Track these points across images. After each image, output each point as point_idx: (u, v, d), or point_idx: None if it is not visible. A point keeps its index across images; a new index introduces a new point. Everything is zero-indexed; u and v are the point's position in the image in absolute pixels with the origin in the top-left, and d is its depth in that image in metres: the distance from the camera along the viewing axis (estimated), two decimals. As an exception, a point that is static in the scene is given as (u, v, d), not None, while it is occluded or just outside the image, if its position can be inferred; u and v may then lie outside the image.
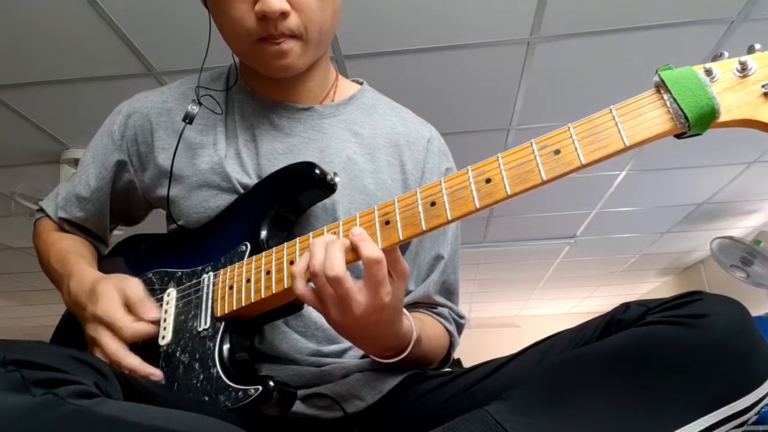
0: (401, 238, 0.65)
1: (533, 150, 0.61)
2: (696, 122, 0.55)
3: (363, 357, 0.86)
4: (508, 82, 2.20)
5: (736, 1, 1.81)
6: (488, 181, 0.62)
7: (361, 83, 0.99)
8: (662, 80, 0.57)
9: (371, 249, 0.64)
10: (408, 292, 0.90)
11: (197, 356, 0.75)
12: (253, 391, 0.68)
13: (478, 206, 0.62)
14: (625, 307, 0.68)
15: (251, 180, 0.86)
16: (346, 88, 0.96)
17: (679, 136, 0.58)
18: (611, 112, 0.59)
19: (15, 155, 2.54)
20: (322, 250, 0.65)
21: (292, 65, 0.80)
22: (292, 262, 0.72)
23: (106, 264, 0.94)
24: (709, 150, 2.80)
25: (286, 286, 0.72)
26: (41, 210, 0.99)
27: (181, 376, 0.75)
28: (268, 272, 0.74)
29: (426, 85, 2.18)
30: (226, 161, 0.86)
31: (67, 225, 0.96)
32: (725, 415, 0.56)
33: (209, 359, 0.73)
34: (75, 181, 0.96)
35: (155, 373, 0.74)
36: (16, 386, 0.46)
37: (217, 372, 0.72)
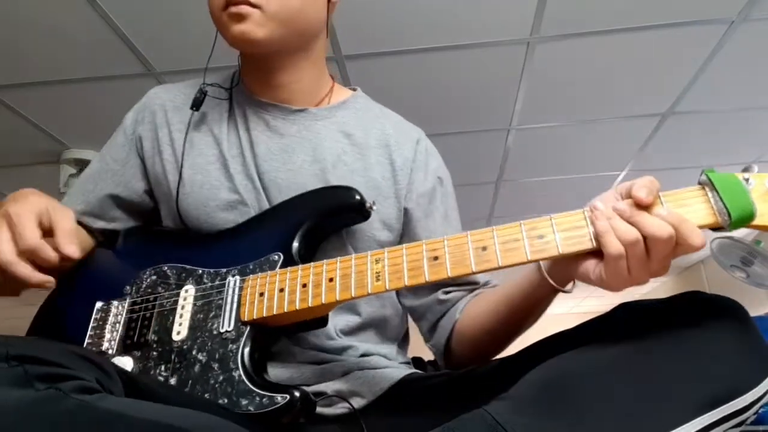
0: (450, 275, 0.68)
1: (585, 217, 0.66)
2: (737, 221, 0.61)
3: (362, 356, 0.86)
4: (508, 82, 2.20)
5: (736, 1, 1.81)
6: (540, 237, 0.66)
7: (355, 89, 1.02)
8: (710, 180, 0.64)
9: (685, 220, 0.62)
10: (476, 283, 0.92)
11: (216, 357, 0.75)
12: (280, 399, 0.68)
13: (528, 258, 0.66)
14: (625, 306, 0.68)
15: (251, 181, 0.87)
16: (341, 94, 0.99)
17: (714, 229, 0.65)
18: (659, 197, 0.64)
19: (15, 155, 2.54)
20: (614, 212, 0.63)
21: (249, 32, 0.82)
22: (331, 280, 0.73)
23: (116, 248, 0.93)
24: (709, 150, 2.81)
25: (323, 302, 0.73)
26: None
27: (197, 374, 0.75)
28: (305, 285, 0.74)
29: (426, 85, 2.18)
30: (230, 162, 0.88)
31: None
32: (723, 414, 0.56)
33: (231, 361, 0.73)
34: (99, 185, 0.95)
35: (49, 280, 0.73)
36: (19, 381, 0.47)
37: (240, 375, 0.72)
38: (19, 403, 0.46)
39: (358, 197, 0.82)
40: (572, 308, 6.89)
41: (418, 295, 0.94)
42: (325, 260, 0.75)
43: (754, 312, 1.05)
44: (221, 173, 0.88)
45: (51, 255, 0.73)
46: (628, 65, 2.11)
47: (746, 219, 0.61)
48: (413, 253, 0.70)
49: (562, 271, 0.73)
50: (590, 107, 2.36)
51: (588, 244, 0.64)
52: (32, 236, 0.72)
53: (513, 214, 3.56)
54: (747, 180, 0.64)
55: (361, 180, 0.89)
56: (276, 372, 0.81)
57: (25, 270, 0.71)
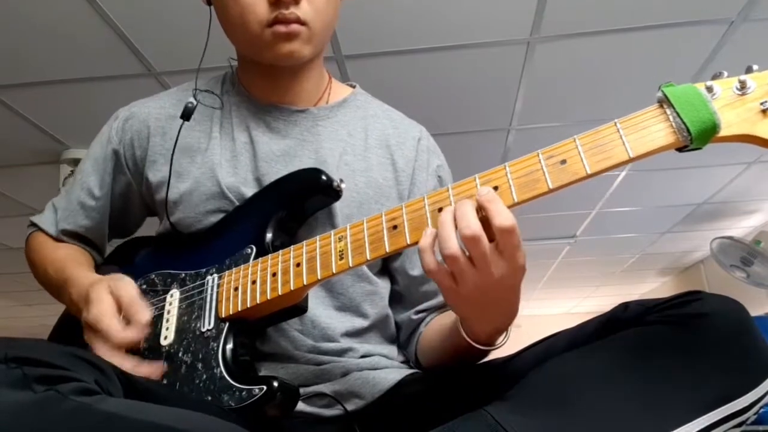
0: (408, 242, 0.66)
1: (539, 159, 0.63)
2: (698, 136, 0.57)
3: (363, 357, 0.86)
4: (508, 82, 2.20)
5: (736, 1, 1.81)
6: (495, 188, 0.64)
7: (354, 86, 1.01)
8: (665, 96, 0.59)
9: (505, 216, 0.61)
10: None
11: (200, 356, 0.75)
12: (257, 390, 0.68)
13: None
14: (625, 306, 0.68)
15: (243, 183, 0.86)
16: (340, 91, 0.98)
17: (680, 149, 0.60)
18: (615, 125, 0.61)
19: (15, 155, 2.54)
20: (450, 214, 0.62)
21: (297, 51, 0.82)
22: (298, 264, 0.73)
23: (107, 266, 0.94)
24: (709, 150, 2.79)
25: (292, 288, 0.72)
26: (33, 225, 0.98)
27: (183, 375, 0.75)
28: (274, 274, 0.74)
29: (426, 85, 2.18)
30: (219, 165, 0.87)
31: (66, 237, 0.95)
32: (724, 414, 0.56)
33: (212, 359, 0.74)
34: (76, 191, 0.95)
35: (153, 372, 0.74)
36: (17, 383, 0.47)
37: (221, 372, 0.72)
38: (18, 405, 0.45)
39: (324, 177, 0.80)
40: (572, 308, 6.89)
41: (399, 306, 0.95)
42: (292, 245, 0.75)
43: (754, 312, 1.05)
44: (209, 179, 0.87)
45: (139, 337, 0.74)
46: (628, 65, 2.10)
47: (709, 132, 0.57)
48: (373, 225, 0.69)
49: (461, 315, 0.73)
50: (590, 107, 2.36)
51: (544, 188, 0.61)
52: (118, 333, 0.72)
53: (513, 214, 3.56)
54: (710, 89, 0.58)
55: (363, 180, 0.89)
56: (275, 373, 0.81)
57: (128, 364, 0.72)
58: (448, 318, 0.85)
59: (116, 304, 0.75)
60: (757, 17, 1.87)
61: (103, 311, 0.74)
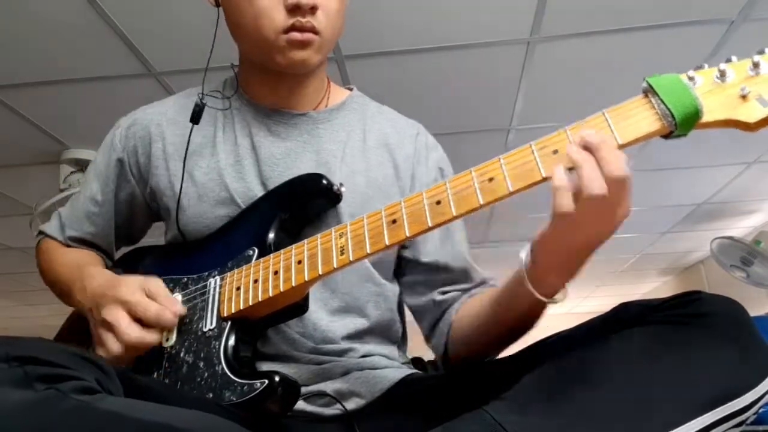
0: (407, 234, 0.67)
1: (532, 150, 0.65)
2: (682, 121, 0.60)
3: (363, 356, 0.86)
4: (508, 82, 2.20)
5: (736, 1, 1.81)
6: (491, 179, 0.65)
7: (351, 89, 1.02)
8: (650, 85, 0.62)
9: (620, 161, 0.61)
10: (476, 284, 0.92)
11: (202, 355, 0.76)
12: (258, 384, 0.69)
13: (481, 202, 0.65)
14: (625, 306, 0.68)
15: (250, 187, 0.87)
16: (338, 94, 0.99)
17: (666, 136, 0.63)
18: (603, 114, 0.64)
19: (15, 155, 2.54)
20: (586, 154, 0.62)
21: (309, 59, 0.83)
22: (300, 262, 0.73)
23: (114, 271, 0.95)
24: (709, 150, 2.81)
25: (293, 284, 0.73)
26: (41, 233, 0.99)
27: (185, 375, 0.75)
28: (276, 272, 0.75)
29: (426, 85, 2.18)
30: (225, 171, 0.88)
31: (74, 243, 0.96)
32: (724, 414, 0.56)
33: (214, 357, 0.74)
34: (80, 199, 0.97)
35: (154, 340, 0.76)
36: (19, 382, 0.47)
37: (222, 369, 0.73)
38: (19, 404, 0.46)
39: (325, 181, 0.82)
40: (572, 308, 6.89)
41: (417, 292, 0.93)
42: (293, 244, 0.76)
43: (754, 312, 1.05)
44: (217, 184, 0.87)
45: (173, 322, 0.76)
46: (628, 65, 2.10)
47: (692, 117, 0.60)
48: (374, 221, 0.70)
49: (543, 263, 0.71)
50: (590, 107, 2.34)
51: (538, 176, 0.63)
52: (152, 306, 0.75)
53: (514, 214, 3.56)
54: (692, 78, 0.61)
55: (363, 180, 0.89)
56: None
57: (154, 337, 0.75)
58: (493, 290, 0.84)
59: (145, 293, 0.77)
60: (757, 17, 1.87)
61: (134, 290, 0.76)
